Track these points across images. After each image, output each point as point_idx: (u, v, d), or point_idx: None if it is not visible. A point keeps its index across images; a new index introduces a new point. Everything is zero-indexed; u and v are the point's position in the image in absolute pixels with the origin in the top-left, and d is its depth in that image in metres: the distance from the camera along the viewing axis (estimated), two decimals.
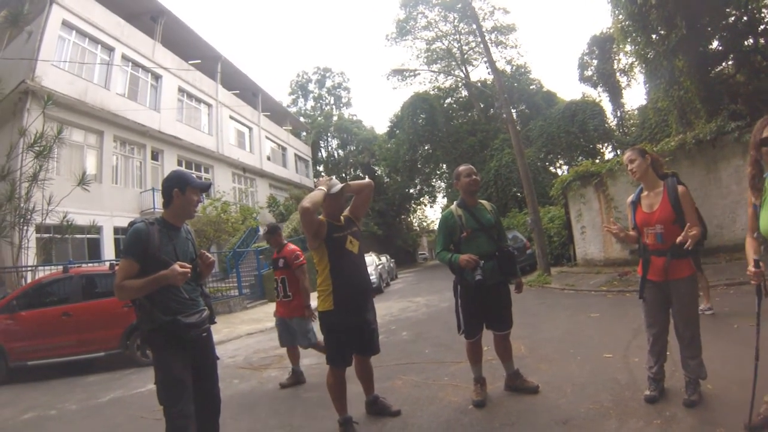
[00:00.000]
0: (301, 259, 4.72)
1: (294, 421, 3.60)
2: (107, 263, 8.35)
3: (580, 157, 22.50)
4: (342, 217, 3.26)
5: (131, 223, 2.43)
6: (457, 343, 3.54)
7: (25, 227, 10.36)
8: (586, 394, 3.22)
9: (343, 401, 3.15)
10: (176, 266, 2.24)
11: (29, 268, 10.03)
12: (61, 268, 7.78)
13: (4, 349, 6.45)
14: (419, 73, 32.58)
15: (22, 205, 10.23)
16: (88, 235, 13.40)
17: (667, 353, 3.01)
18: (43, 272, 8.92)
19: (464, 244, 3.35)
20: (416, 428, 3.09)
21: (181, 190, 2.45)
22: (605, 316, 6.13)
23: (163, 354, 2.32)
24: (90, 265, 10.68)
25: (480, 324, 3.41)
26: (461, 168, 3.52)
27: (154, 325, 2.30)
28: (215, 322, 2.67)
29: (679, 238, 2.62)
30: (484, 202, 3.59)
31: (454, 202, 3.59)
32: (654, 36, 10.83)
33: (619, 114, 25.98)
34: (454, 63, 31.58)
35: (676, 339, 2.89)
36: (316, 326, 4.15)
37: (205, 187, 2.67)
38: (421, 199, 39.24)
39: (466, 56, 31.41)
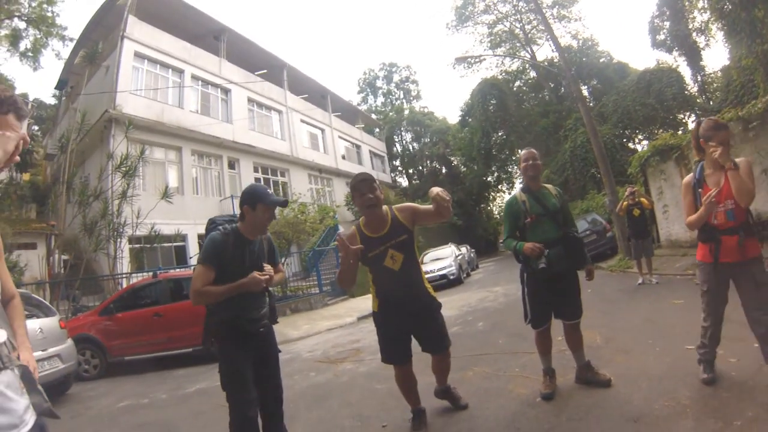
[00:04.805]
0: None
1: (364, 411, 3.69)
2: (191, 268, 9.09)
3: (660, 130, 20.52)
4: (388, 225, 2.89)
5: (211, 224, 2.60)
6: (533, 333, 3.43)
7: (119, 239, 11.65)
8: (663, 390, 2.97)
9: (411, 394, 3.15)
10: (255, 274, 2.39)
11: (124, 275, 11.23)
12: (151, 274, 8.61)
13: (104, 346, 7.27)
14: (484, 59, 31.27)
15: (114, 220, 11.52)
16: (175, 243, 14.68)
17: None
18: (136, 278, 9.86)
19: (529, 230, 3.28)
20: (482, 421, 3.06)
21: (251, 207, 2.49)
22: (690, 303, 5.50)
23: (226, 346, 2.53)
24: (177, 270, 11.67)
25: (548, 313, 3.30)
26: (522, 152, 3.50)
27: (219, 319, 2.51)
28: (277, 322, 2.83)
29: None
30: (549, 186, 3.50)
31: (518, 188, 3.53)
32: None
33: (699, 78, 23.28)
34: (518, 44, 29.98)
35: (751, 329, 2.63)
36: None
37: (280, 203, 2.60)
38: (499, 186, 37.91)
39: (529, 36, 29.71)
